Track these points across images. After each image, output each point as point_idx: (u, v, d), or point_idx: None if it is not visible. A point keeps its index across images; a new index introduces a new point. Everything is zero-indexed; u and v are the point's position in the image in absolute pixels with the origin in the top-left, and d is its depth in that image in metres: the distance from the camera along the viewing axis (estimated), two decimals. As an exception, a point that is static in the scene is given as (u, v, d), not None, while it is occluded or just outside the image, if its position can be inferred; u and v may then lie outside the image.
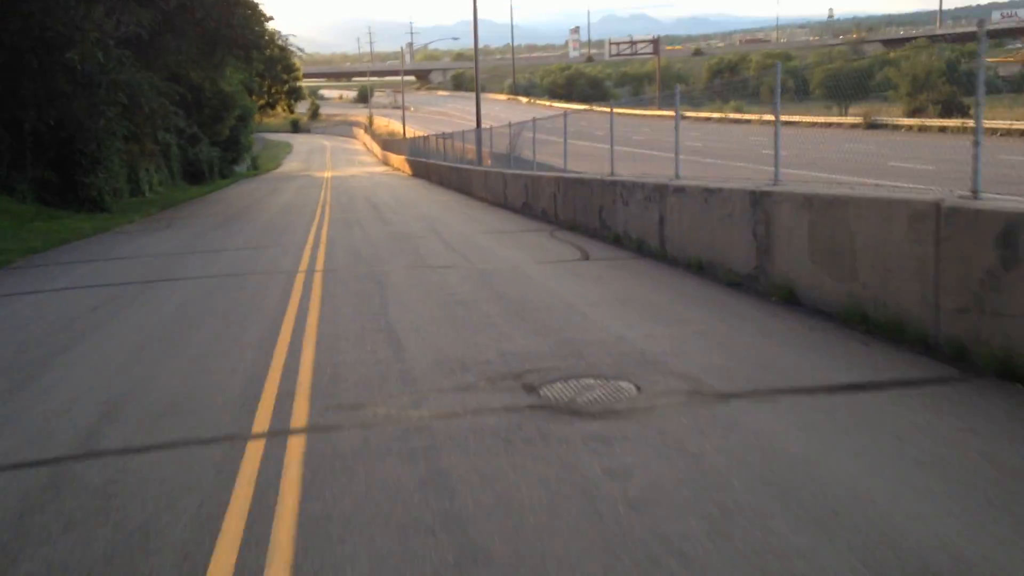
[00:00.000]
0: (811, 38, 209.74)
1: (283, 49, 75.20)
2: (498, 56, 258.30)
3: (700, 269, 11.44)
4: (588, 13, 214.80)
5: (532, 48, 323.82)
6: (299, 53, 41.86)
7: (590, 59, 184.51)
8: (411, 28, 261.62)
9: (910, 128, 52.21)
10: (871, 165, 11.75)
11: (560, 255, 14.26)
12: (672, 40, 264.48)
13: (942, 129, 49.97)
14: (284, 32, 42.00)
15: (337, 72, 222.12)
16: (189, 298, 11.77)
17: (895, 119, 58.67)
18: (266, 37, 37.46)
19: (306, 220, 23.99)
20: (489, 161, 41.23)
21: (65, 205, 28.73)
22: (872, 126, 55.73)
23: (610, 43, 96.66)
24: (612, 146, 16.16)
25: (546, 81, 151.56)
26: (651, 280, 11.41)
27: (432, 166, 42.27)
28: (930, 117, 62.30)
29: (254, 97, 74.54)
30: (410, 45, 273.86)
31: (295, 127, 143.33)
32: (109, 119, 26.51)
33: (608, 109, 18.30)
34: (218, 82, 41.41)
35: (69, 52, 22.82)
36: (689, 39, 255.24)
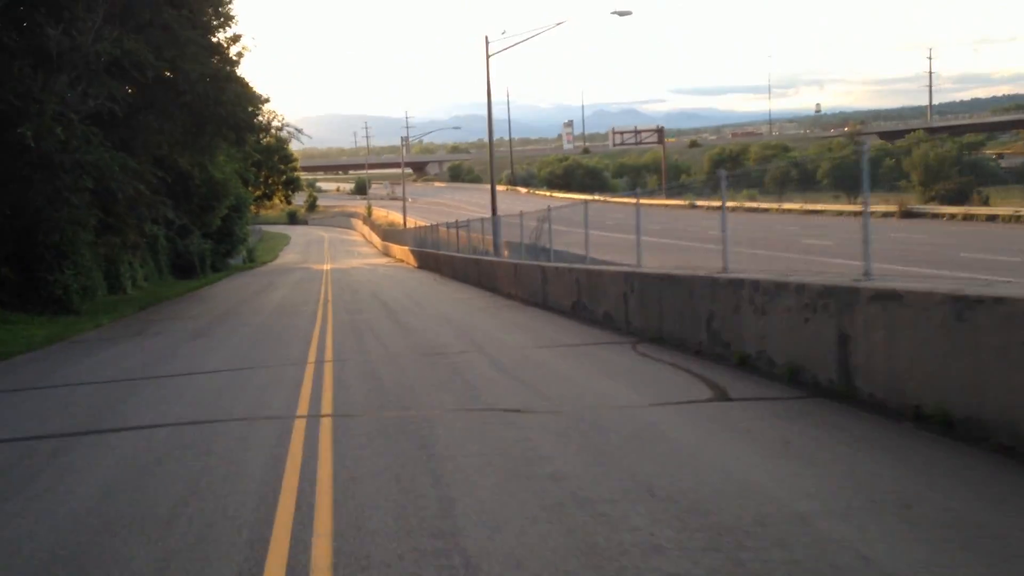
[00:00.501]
0: (803, 131, 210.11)
1: (279, 138, 72.34)
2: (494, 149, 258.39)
3: (948, 426, 6.95)
4: (583, 107, 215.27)
5: (526, 141, 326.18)
6: (297, 137, 38.37)
7: (586, 151, 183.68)
8: (406, 121, 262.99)
9: (952, 216, 48.45)
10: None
11: (679, 389, 9.67)
12: (666, 133, 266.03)
13: (990, 218, 46.46)
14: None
15: (334, 165, 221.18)
16: (116, 482, 7.11)
17: (933, 208, 55.05)
18: (260, 118, 33.59)
19: (305, 325, 19.54)
20: (506, 252, 37.10)
21: (24, 307, 24.23)
22: (908, 215, 52.07)
23: (613, 132, 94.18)
24: (725, 233, 11.76)
25: (544, 172, 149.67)
26: (887, 449, 6.86)
27: (443, 257, 38.08)
28: (942, 204, 59.07)
29: (250, 187, 71.05)
30: (406, 139, 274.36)
31: (292, 219, 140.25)
32: (74, 206, 22.23)
33: (633, 200, 15.03)
34: (208, 168, 37.43)
35: (21, 127, 18.66)
36: (680, 132, 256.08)
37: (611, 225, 52.17)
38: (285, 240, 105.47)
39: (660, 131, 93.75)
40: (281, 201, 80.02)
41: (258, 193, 75.06)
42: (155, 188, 37.51)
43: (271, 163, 73.56)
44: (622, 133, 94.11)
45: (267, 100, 35.29)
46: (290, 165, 75.53)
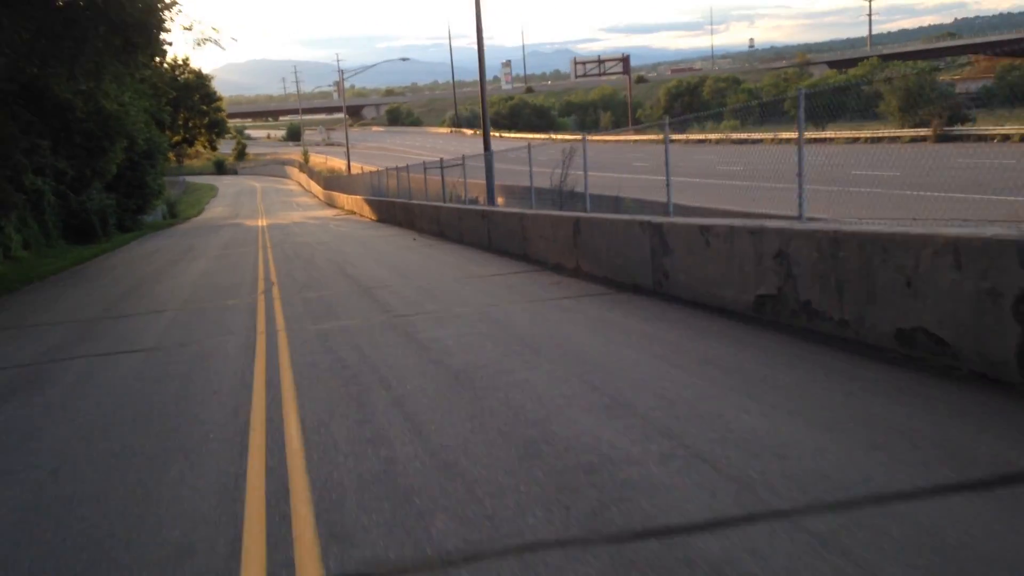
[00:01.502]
0: (738, 66, 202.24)
1: (199, 75, 60.91)
2: (428, 93, 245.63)
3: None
4: (523, 47, 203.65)
5: (461, 84, 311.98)
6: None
7: (529, 90, 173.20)
8: (338, 63, 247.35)
9: (1006, 137, 41.05)
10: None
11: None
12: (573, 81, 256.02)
13: None
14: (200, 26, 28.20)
15: (264, 111, 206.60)
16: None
17: (980, 129, 47.70)
18: (162, 19, 23.24)
19: (238, 330, 10.47)
20: (502, 199, 27.71)
21: None
22: (944, 138, 44.55)
23: (576, 62, 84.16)
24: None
25: (490, 112, 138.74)
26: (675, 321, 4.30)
27: (416, 209, 28.55)
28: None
29: (167, 132, 59.65)
30: (341, 76, 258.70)
31: (220, 168, 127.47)
32: None
33: (624, 136, 13.30)
34: (97, 98, 26.90)
35: None
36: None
37: (608, 164, 41.16)
38: (212, 192, 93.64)
39: (625, 60, 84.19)
40: (205, 147, 68.66)
41: (177, 138, 63.77)
42: (24, 126, 27.08)
43: (191, 103, 62.22)
44: (584, 63, 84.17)
45: (173, 2, 24.84)
46: (213, 105, 64.24)
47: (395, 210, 32.62)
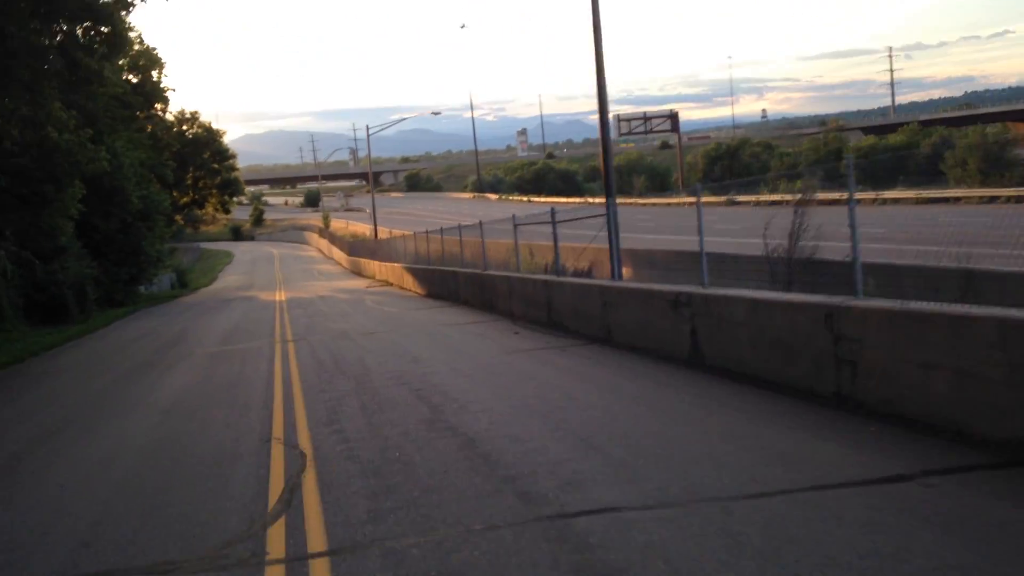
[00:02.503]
0: (760, 134, 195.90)
1: (210, 131, 53.15)
2: (442, 160, 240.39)
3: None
4: (541, 115, 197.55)
5: (473, 154, 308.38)
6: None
7: (551, 155, 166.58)
8: (354, 131, 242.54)
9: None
10: None
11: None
12: (615, 142, 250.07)
13: None
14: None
15: (281, 179, 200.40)
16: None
17: None
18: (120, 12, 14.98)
19: None
20: (629, 270, 19.17)
21: None
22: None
23: (619, 119, 76.20)
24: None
25: (512, 177, 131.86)
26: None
27: (496, 284, 19.84)
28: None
29: (175, 193, 51.58)
30: (354, 151, 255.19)
31: (237, 234, 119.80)
32: None
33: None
34: (43, 125, 18.38)
35: None
36: (630, 140, 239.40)
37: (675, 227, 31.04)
38: (227, 258, 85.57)
39: (674, 116, 76.19)
40: (216, 209, 60.46)
41: (186, 199, 55.70)
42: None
43: (200, 160, 54.27)
44: (629, 120, 76.06)
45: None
46: (226, 163, 56.31)
47: (456, 283, 23.87)
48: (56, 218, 22.38)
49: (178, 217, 54.87)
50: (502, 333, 15.74)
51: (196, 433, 8.94)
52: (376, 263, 42.87)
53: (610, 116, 74.43)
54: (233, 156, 56.38)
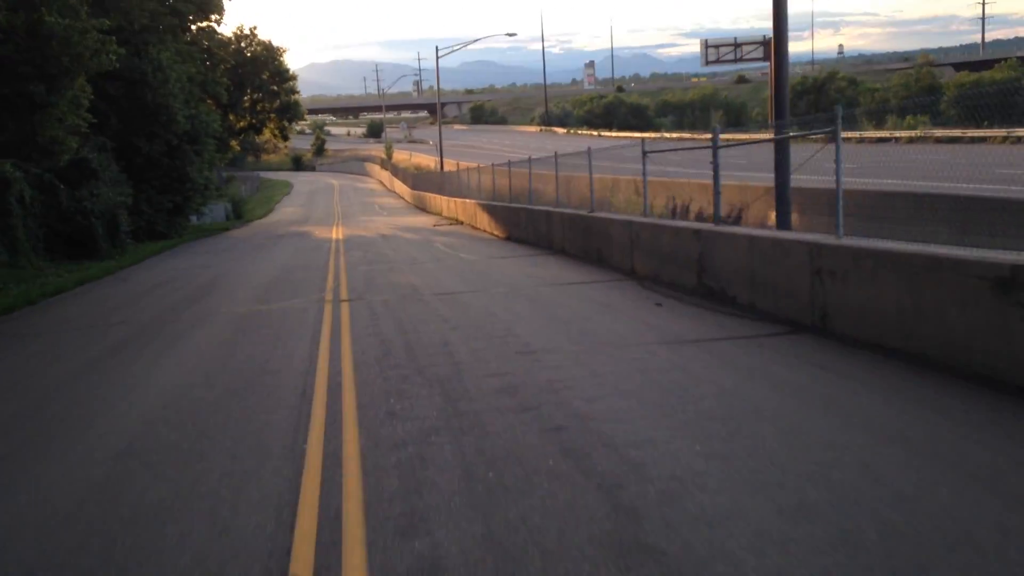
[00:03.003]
0: (848, 72, 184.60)
1: (268, 48, 48.59)
2: (506, 93, 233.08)
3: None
4: (612, 47, 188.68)
5: (538, 87, 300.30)
6: None
7: (620, 88, 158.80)
8: (419, 63, 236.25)
9: None
10: None
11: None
12: (680, 77, 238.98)
13: None
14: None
15: (344, 108, 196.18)
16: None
17: None
18: None
19: None
20: (797, 218, 14.24)
21: None
22: None
23: (707, 45, 69.48)
24: None
25: (581, 111, 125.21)
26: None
27: (615, 231, 15.05)
28: None
29: (231, 116, 47.48)
30: (419, 82, 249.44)
31: (298, 164, 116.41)
32: None
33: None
34: (43, 16, 14.00)
35: None
36: (700, 75, 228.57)
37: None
38: (286, 189, 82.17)
39: (767, 43, 69.20)
40: (275, 136, 56.16)
41: (243, 123, 51.55)
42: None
43: (259, 81, 49.88)
44: (717, 47, 69.19)
45: None
46: (286, 85, 51.80)
47: (549, 226, 19.17)
48: (52, 129, 18.08)
49: (234, 142, 50.86)
50: (636, 303, 11.07)
51: (144, 528, 4.55)
52: (444, 198, 38.33)
53: (696, 42, 67.73)
54: (294, 78, 51.87)
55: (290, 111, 52.43)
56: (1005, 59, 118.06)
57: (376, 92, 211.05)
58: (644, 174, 14.25)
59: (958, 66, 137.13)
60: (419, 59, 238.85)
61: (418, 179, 51.42)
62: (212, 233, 37.43)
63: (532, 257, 17.86)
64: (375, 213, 45.16)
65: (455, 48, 52.93)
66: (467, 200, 31.55)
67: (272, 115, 51.69)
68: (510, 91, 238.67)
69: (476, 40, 51.17)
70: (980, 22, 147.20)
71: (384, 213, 44.75)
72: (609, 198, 20.03)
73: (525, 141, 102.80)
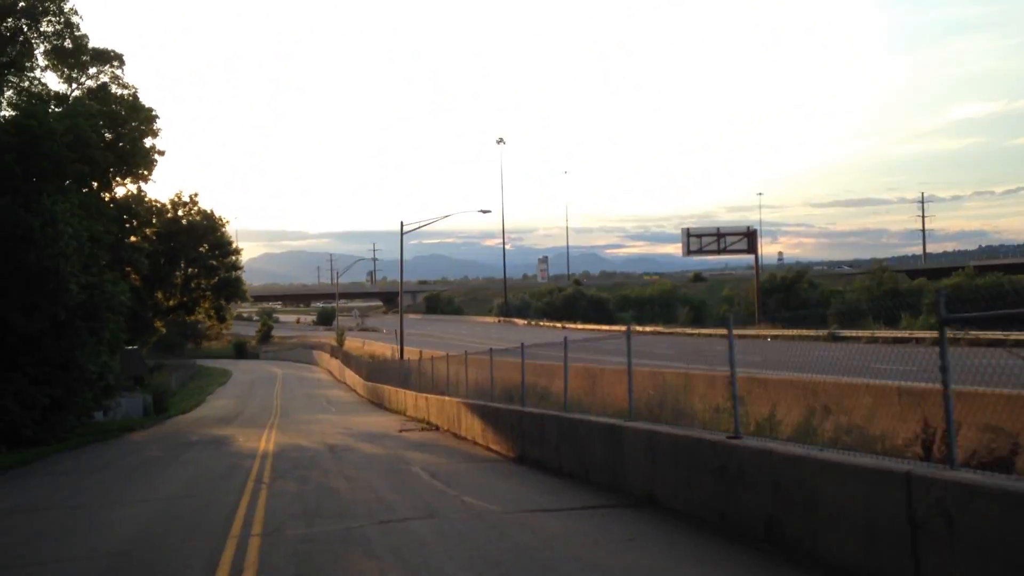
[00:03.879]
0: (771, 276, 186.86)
1: (206, 216, 41.90)
2: (460, 285, 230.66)
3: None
4: (567, 245, 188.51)
5: (492, 280, 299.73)
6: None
7: (577, 282, 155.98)
8: (374, 251, 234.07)
9: None
10: None
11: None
12: (628, 277, 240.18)
13: None
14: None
15: (294, 295, 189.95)
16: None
17: None
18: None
19: None
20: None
21: None
22: None
23: (689, 235, 64.81)
24: None
25: (541, 303, 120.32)
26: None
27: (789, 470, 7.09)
28: None
29: (159, 295, 39.81)
30: (372, 273, 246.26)
31: (241, 351, 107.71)
32: None
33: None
34: None
35: None
36: (644, 277, 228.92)
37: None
38: (223, 378, 73.32)
39: (751, 234, 64.63)
40: (210, 317, 48.12)
41: (172, 302, 43.68)
42: None
43: (194, 254, 42.63)
44: (700, 236, 64.58)
45: None
46: (227, 260, 44.60)
47: (614, 449, 11.30)
48: None
49: (159, 323, 42.77)
50: None
51: None
52: (409, 393, 30.40)
53: (642, 244, 62.99)
54: (237, 252, 44.91)
55: (230, 288, 44.90)
56: (962, 267, 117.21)
57: (329, 281, 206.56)
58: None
59: (911, 273, 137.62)
60: (374, 249, 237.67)
61: (374, 369, 43.51)
62: (111, 435, 28.67)
63: (597, 514, 9.87)
64: (322, 409, 36.80)
65: (422, 224, 46.85)
66: (445, 397, 23.65)
67: (208, 293, 44.03)
68: (463, 283, 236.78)
69: (446, 216, 45.25)
70: (908, 236, 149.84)
71: (333, 410, 36.40)
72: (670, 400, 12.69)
73: (486, 331, 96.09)
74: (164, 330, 44.22)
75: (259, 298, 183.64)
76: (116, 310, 27.05)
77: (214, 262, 43.62)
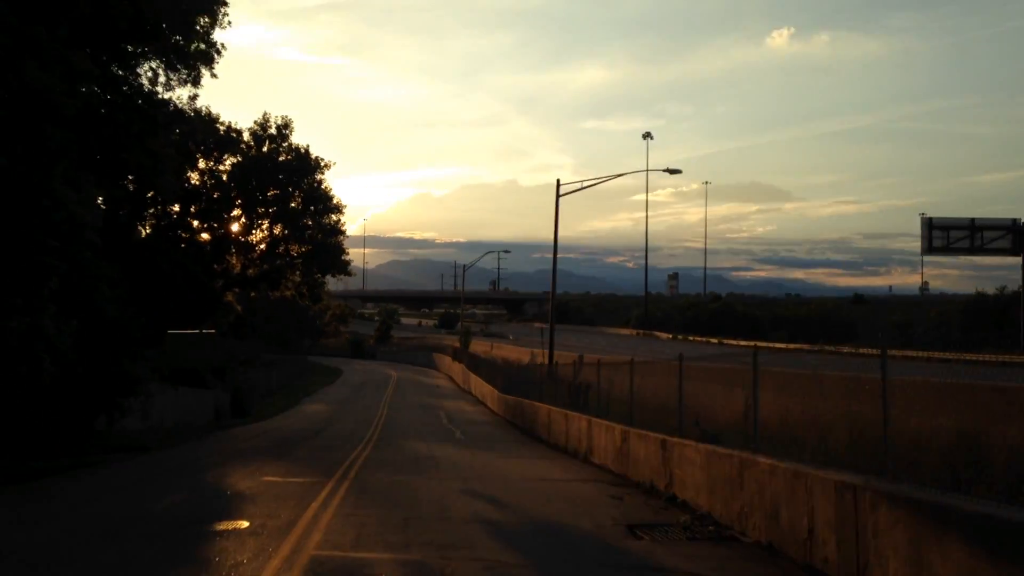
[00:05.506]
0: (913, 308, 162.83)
1: (303, 157, 29.48)
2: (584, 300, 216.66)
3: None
4: (704, 267, 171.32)
5: (613, 296, 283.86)
6: None
7: (716, 297, 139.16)
8: (498, 258, 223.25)
9: None
10: None
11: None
12: (754, 298, 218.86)
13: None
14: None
15: (417, 298, 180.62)
16: None
17: None
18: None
19: None
20: None
21: None
22: None
23: (931, 226, 47.73)
24: None
25: (685, 316, 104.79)
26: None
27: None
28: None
29: (232, 258, 27.63)
30: (495, 282, 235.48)
31: (357, 350, 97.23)
32: None
33: None
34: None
35: None
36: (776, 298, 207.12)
37: None
38: (331, 377, 61.94)
39: (1020, 230, 47.09)
40: (301, 296, 35.32)
41: (252, 271, 31.49)
42: None
43: (284, 208, 30.35)
44: (947, 229, 47.40)
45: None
46: (325, 220, 31.92)
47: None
48: None
49: (229, 296, 30.70)
50: None
51: None
52: (599, 423, 16.43)
53: (922, 218, 46.52)
54: (341, 209, 32.31)
55: (326, 255, 32.32)
56: None
57: (452, 289, 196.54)
58: None
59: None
60: (499, 255, 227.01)
61: (515, 378, 30.01)
62: (123, 452, 16.40)
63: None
64: (440, 433, 23.55)
65: (584, 184, 33.10)
66: (732, 452, 9.64)
67: (299, 260, 31.70)
68: (587, 297, 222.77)
69: (614, 176, 31.37)
70: None
71: (457, 435, 23.03)
72: None
73: (626, 344, 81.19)
74: (239, 308, 32.17)
75: (381, 299, 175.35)
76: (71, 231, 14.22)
77: (308, 220, 31.31)
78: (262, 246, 30.97)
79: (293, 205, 30.95)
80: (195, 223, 28.02)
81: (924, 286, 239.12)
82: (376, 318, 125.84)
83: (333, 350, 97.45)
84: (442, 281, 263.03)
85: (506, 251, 69.23)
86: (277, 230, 30.78)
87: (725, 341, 77.09)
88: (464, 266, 64.37)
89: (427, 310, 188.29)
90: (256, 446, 19.77)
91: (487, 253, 79.05)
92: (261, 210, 29.57)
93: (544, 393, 23.52)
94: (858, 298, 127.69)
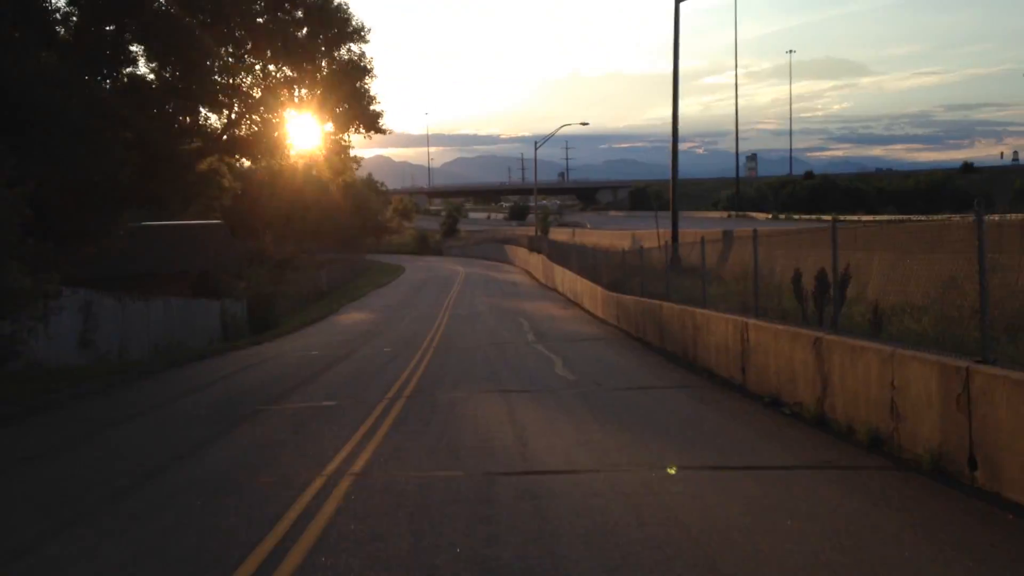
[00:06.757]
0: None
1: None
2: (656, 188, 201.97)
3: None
4: (790, 152, 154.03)
5: (690, 181, 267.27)
6: None
7: (809, 174, 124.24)
8: (566, 150, 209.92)
9: None
10: None
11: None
12: (836, 179, 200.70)
13: None
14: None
15: (484, 190, 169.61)
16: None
17: None
18: None
19: None
20: None
21: None
22: None
23: None
24: None
25: (783, 193, 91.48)
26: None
27: None
28: None
29: (286, 92, 17.15)
30: (563, 173, 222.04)
31: (422, 246, 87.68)
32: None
33: None
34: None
35: None
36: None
37: None
38: (389, 276, 52.56)
39: None
40: (345, 141, 24.19)
41: (220, 120, 21.06)
42: None
43: (289, 39, 19.62)
44: None
45: None
46: (343, 47, 21.26)
47: None
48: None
49: (205, 164, 20.19)
50: None
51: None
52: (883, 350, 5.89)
53: (887, 131, 32.99)
54: (364, 34, 21.45)
55: (367, 119, 21.61)
56: None
57: (520, 180, 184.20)
58: None
59: None
60: (567, 147, 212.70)
61: (630, 270, 19.33)
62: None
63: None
64: (529, 371, 13.31)
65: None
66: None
67: (356, 121, 20.89)
68: (664, 183, 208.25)
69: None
70: None
71: (562, 373, 12.75)
72: None
73: (727, 226, 69.53)
74: (233, 184, 21.98)
75: (447, 194, 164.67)
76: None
77: (321, 46, 20.58)
78: (257, 93, 20.66)
79: (293, 30, 20.33)
80: (133, 48, 17.71)
81: (1015, 156, 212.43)
82: (443, 213, 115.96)
83: (397, 247, 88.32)
84: (509, 174, 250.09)
85: (584, 123, 56.68)
86: (274, 67, 20.29)
87: (841, 217, 64.83)
88: (536, 143, 52.87)
89: (494, 203, 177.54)
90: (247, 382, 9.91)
91: (564, 126, 66.78)
92: (240, 34, 19.01)
93: (708, 298, 12.90)
94: (967, 167, 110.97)
